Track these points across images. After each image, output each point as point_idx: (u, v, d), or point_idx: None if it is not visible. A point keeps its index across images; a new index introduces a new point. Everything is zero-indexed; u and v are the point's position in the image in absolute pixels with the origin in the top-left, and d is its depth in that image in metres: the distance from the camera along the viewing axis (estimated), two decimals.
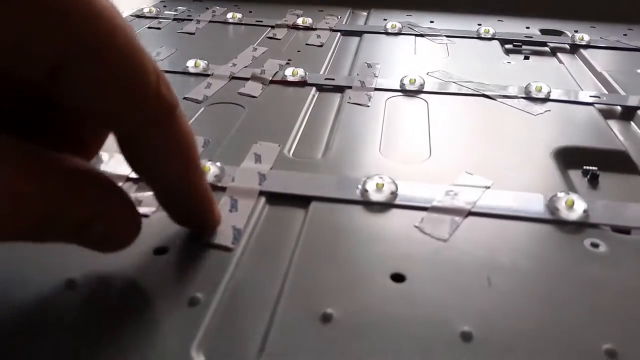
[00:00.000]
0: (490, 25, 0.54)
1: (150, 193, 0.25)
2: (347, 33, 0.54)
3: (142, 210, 0.24)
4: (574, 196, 0.25)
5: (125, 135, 0.18)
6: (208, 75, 0.41)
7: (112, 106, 0.16)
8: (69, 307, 0.19)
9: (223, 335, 0.18)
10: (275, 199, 0.26)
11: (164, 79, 0.17)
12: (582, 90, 0.41)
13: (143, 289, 0.20)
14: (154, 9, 0.57)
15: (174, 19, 0.55)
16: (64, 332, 0.18)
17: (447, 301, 0.20)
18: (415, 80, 0.40)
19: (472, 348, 0.18)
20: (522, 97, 0.38)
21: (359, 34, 0.54)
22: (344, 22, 0.57)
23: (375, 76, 0.42)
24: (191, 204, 0.21)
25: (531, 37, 0.53)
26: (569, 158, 0.31)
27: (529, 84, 0.39)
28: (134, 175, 0.27)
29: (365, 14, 0.62)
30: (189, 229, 0.23)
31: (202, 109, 0.36)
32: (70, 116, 0.18)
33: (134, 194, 0.26)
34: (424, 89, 0.39)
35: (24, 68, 0.15)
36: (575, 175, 0.30)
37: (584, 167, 0.30)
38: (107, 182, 0.17)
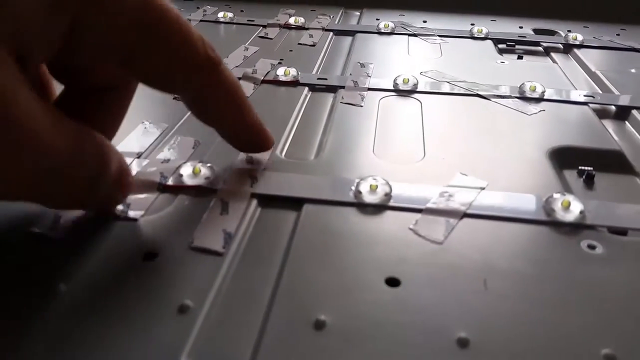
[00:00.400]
0: (484, 25, 0.54)
1: (138, 196, 0.25)
2: (339, 33, 0.54)
3: (130, 213, 0.24)
4: (570, 197, 0.25)
5: (189, 96, 0.22)
6: None
7: (174, 74, 0.21)
8: (55, 313, 0.19)
9: (214, 343, 0.18)
10: (267, 201, 0.25)
11: (208, 41, 0.21)
12: (576, 89, 0.41)
13: (131, 295, 0.20)
14: None
15: None
16: (49, 339, 0.18)
17: (443, 306, 0.19)
18: (408, 80, 0.40)
19: (469, 354, 0.18)
20: (516, 97, 0.38)
21: (351, 33, 0.53)
22: (336, 22, 0.57)
23: (369, 76, 0.41)
24: (249, 136, 0.26)
25: (524, 36, 0.53)
26: (564, 158, 0.31)
27: (522, 84, 0.39)
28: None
29: (357, 13, 0.62)
30: (253, 152, 0.27)
31: None
32: (98, 102, 0.22)
33: None
34: (418, 89, 0.39)
35: (107, 58, 0.20)
36: (570, 175, 0.30)
37: (580, 167, 0.30)
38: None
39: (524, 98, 0.38)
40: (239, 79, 0.40)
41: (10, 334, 0.18)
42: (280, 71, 0.40)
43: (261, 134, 0.26)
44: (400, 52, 0.48)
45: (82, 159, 0.18)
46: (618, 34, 0.55)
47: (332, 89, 0.40)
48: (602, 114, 0.38)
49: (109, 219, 0.24)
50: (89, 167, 0.19)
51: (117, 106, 0.23)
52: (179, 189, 0.26)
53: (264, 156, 0.29)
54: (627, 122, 0.37)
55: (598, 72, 0.44)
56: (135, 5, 0.19)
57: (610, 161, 0.31)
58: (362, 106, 0.37)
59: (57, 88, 0.23)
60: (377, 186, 0.26)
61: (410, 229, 0.23)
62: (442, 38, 0.52)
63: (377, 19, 0.57)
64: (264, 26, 0.54)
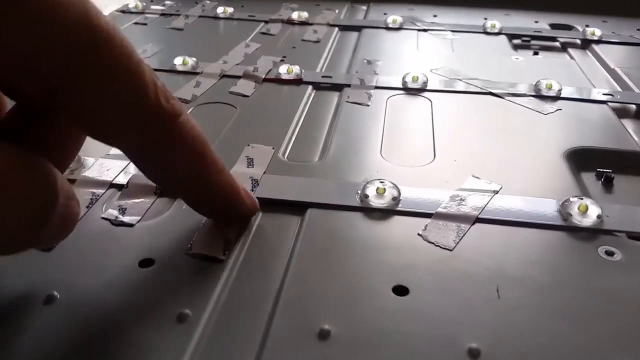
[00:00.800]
0: (497, 20, 0.54)
1: (134, 200, 0.25)
2: (345, 28, 0.54)
3: (126, 219, 0.24)
4: (587, 201, 0.25)
5: (132, 149, 0.19)
6: (197, 74, 0.40)
7: (113, 120, 0.17)
8: (49, 324, 0.19)
9: (213, 354, 0.18)
10: (269, 206, 0.25)
11: (163, 89, 0.18)
12: (594, 87, 0.41)
13: (128, 304, 0.20)
14: (140, 4, 0.57)
15: (162, 14, 0.55)
16: (43, 350, 0.18)
17: (454, 315, 0.19)
18: (418, 77, 0.39)
19: None
20: (532, 95, 0.38)
21: (358, 29, 0.53)
22: (341, 17, 0.57)
23: (376, 73, 0.41)
24: (219, 203, 0.22)
25: (540, 31, 0.53)
26: (581, 160, 0.31)
27: (538, 82, 0.39)
28: (118, 180, 0.27)
29: (364, 8, 0.62)
30: (229, 222, 0.23)
31: (191, 109, 0.36)
32: (51, 122, 0.18)
33: (117, 201, 0.26)
34: (428, 87, 0.39)
35: (25, 84, 0.16)
36: (588, 178, 0.30)
37: (598, 170, 0.30)
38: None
39: (539, 96, 0.38)
40: (239, 77, 0.40)
41: (3, 345, 0.18)
42: (283, 69, 0.41)
43: (234, 199, 0.22)
44: (410, 49, 0.48)
45: (23, 192, 0.16)
46: (638, 29, 0.54)
47: (338, 87, 0.40)
48: (621, 113, 0.37)
49: (105, 224, 0.24)
50: (32, 203, 0.16)
51: (70, 128, 0.19)
52: None
53: (265, 158, 0.29)
54: None
55: (617, 69, 0.44)
56: (74, 18, 0.15)
57: (630, 163, 0.31)
58: (369, 105, 0.37)
59: None
60: (384, 190, 0.26)
61: (420, 234, 0.24)
62: (454, 33, 0.52)
63: (385, 14, 0.57)
64: (266, 22, 0.54)
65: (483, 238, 0.24)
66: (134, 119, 0.17)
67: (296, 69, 0.41)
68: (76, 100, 0.16)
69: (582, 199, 0.25)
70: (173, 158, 0.19)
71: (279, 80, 0.40)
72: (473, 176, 0.28)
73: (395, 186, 0.26)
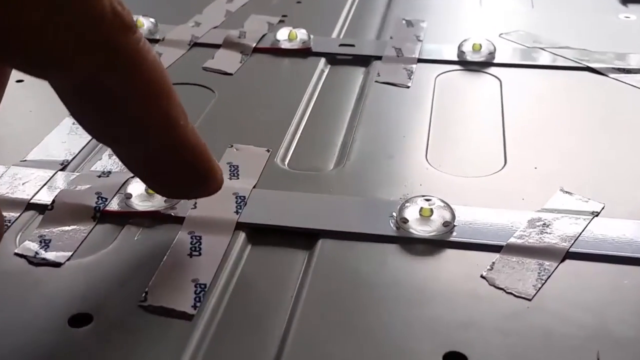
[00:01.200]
0: None
1: (63, 228, 0.25)
2: None
3: (50, 255, 0.24)
4: None
5: (77, 81, 0.19)
6: (157, 41, 0.41)
7: (53, 34, 0.17)
8: None
9: None
10: (261, 234, 0.26)
11: None
12: None
13: None
14: None
15: None
16: None
17: None
18: (481, 46, 0.39)
19: None
20: None
21: None
22: None
23: (419, 40, 0.41)
24: (180, 159, 0.22)
25: None
26: None
27: None
28: (39, 199, 0.27)
29: None
30: (182, 198, 0.25)
31: None
32: None
33: (37, 229, 0.26)
34: (495, 60, 0.39)
35: None
36: None
37: None
38: None
39: None
40: (218, 46, 0.40)
41: None
42: (282, 34, 0.41)
43: (204, 161, 0.23)
44: (469, 4, 0.48)
45: None
46: None
47: (363, 60, 0.39)
48: None
49: (19, 262, 0.24)
50: None
51: None
52: (126, 216, 0.26)
53: (255, 166, 0.29)
54: None
55: None
56: None
57: None
58: (408, 87, 0.37)
59: None
60: (431, 211, 0.26)
61: (484, 277, 0.24)
62: None
63: None
64: None
65: (577, 282, 0.23)
66: (86, 24, 0.18)
67: (302, 33, 0.41)
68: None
69: None
70: (133, 88, 0.20)
71: (277, 51, 0.40)
72: (562, 190, 0.28)
73: (448, 206, 0.26)
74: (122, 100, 0.20)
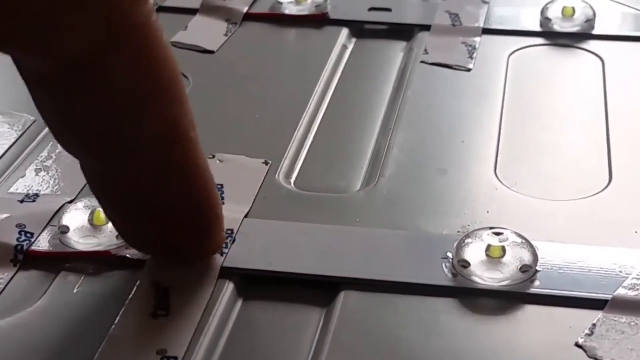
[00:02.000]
0: None
1: None
2: None
3: None
4: None
5: (68, 61, 0.18)
6: None
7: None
8: None
9: None
10: (257, 285, 0.24)
11: None
12: None
13: None
14: None
15: None
16: None
17: None
18: (574, 10, 0.37)
19: None
20: None
21: None
22: None
23: (485, 2, 0.39)
24: (181, 187, 0.22)
25: None
26: None
27: None
28: None
29: None
30: (163, 257, 0.23)
31: None
32: None
33: None
34: (595, 32, 0.37)
35: None
36: None
37: None
38: None
39: None
40: (195, 12, 0.38)
41: None
42: None
43: (212, 207, 0.22)
44: None
45: None
46: None
47: (403, 31, 0.37)
48: None
49: None
50: None
51: None
52: (61, 259, 0.24)
53: (248, 185, 0.27)
54: None
55: None
56: None
57: None
58: (470, 70, 0.35)
59: None
60: (503, 250, 0.23)
61: (579, 345, 0.21)
62: None
63: None
64: None
65: None
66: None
67: None
68: None
69: None
70: (138, 78, 0.19)
71: (279, 18, 0.38)
72: None
73: (527, 242, 0.24)
74: (120, 94, 0.19)
